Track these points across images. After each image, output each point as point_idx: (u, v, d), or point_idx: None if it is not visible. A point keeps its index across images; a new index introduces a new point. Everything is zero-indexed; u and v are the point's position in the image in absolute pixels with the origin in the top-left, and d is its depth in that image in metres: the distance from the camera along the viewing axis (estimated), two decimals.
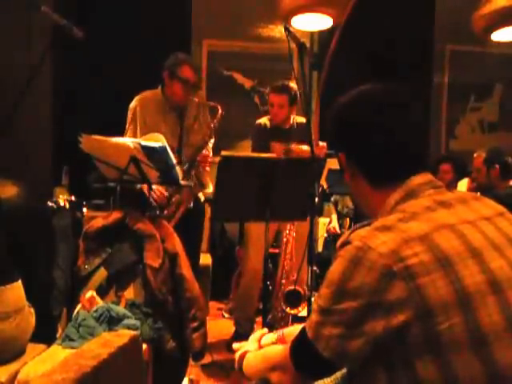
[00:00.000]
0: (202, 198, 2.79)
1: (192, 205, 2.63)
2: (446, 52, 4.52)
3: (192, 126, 2.68)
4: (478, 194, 2.29)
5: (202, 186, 2.69)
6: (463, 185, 3.48)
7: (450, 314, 0.78)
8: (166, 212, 2.48)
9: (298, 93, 2.84)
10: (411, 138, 0.96)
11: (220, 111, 2.56)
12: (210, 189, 2.77)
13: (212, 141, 2.71)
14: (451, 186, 3.32)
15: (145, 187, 2.41)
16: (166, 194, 2.50)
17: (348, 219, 3.89)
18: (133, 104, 2.65)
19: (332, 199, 3.90)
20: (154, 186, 2.42)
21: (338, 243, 0.88)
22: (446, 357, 0.77)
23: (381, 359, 0.82)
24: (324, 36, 3.56)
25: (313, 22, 2.25)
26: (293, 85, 2.83)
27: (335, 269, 0.84)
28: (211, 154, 2.68)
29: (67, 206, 2.80)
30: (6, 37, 3.92)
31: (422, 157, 0.97)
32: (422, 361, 0.78)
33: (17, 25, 3.89)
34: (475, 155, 3.15)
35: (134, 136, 2.58)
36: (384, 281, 0.79)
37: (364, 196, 1.00)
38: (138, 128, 2.59)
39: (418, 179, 0.93)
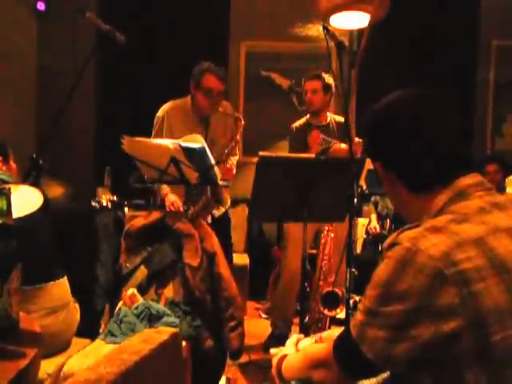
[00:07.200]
0: (216, 214, 2.59)
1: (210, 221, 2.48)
2: (491, 47, 4.35)
3: (217, 137, 2.62)
4: None
5: (220, 202, 2.56)
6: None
7: (505, 324, 0.75)
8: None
9: (334, 87, 2.83)
10: (451, 141, 0.92)
11: (242, 122, 2.51)
12: (227, 206, 2.67)
13: (236, 158, 2.67)
14: (500, 188, 3.12)
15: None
16: (181, 208, 2.40)
17: (388, 220, 3.80)
18: (159, 113, 2.61)
19: (372, 200, 3.82)
20: (171, 198, 2.41)
21: (385, 244, 0.85)
22: (499, 369, 0.74)
23: (427, 366, 0.79)
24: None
25: (352, 20, 2.21)
26: (327, 76, 2.82)
27: (382, 270, 0.82)
28: (235, 169, 2.63)
29: (109, 205, 2.88)
30: (53, 42, 4.09)
31: (465, 158, 0.93)
32: (473, 372, 0.75)
33: (63, 31, 4.05)
34: None
35: None
36: (434, 285, 0.76)
37: (405, 203, 0.96)
38: (164, 136, 2.52)
39: (467, 180, 0.89)
